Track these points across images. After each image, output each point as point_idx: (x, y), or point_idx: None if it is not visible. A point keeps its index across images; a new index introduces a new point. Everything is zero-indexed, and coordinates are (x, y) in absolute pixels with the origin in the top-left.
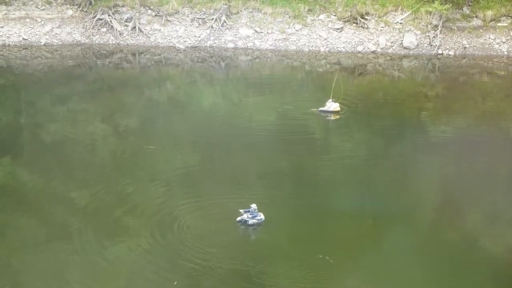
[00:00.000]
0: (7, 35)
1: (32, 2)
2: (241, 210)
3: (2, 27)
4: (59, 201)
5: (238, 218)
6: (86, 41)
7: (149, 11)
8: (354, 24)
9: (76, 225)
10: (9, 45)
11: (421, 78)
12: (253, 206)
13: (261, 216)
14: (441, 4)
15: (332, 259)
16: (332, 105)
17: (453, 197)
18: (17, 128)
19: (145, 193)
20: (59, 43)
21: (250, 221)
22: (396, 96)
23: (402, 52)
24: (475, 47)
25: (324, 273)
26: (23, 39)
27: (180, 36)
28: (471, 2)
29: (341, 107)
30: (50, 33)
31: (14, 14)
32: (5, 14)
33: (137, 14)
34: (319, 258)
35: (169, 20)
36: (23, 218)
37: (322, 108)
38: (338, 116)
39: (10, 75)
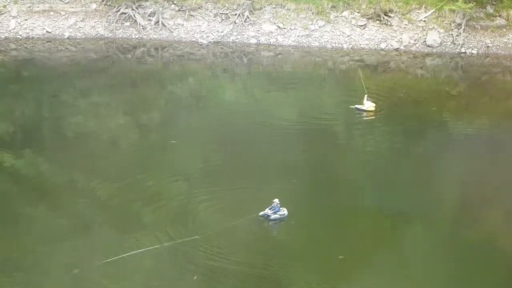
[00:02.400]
0: (31, 27)
1: None
2: (261, 213)
3: (26, 20)
4: (80, 194)
5: (261, 213)
6: (110, 35)
7: (173, 5)
8: (378, 21)
9: (96, 218)
10: (32, 37)
11: (444, 76)
12: (276, 201)
13: (284, 211)
14: (464, 3)
15: (352, 259)
16: (367, 104)
17: (475, 196)
18: (39, 121)
19: (166, 187)
20: (83, 36)
21: (272, 216)
22: (418, 95)
23: (425, 50)
24: (498, 46)
25: (344, 274)
26: (47, 32)
27: (203, 31)
28: (494, 1)
29: (376, 107)
30: (73, 26)
31: (38, 7)
32: (29, 7)
33: (161, 9)
34: (340, 259)
35: (192, 15)
36: (45, 210)
37: (357, 106)
38: (372, 115)
39: (34, 68)
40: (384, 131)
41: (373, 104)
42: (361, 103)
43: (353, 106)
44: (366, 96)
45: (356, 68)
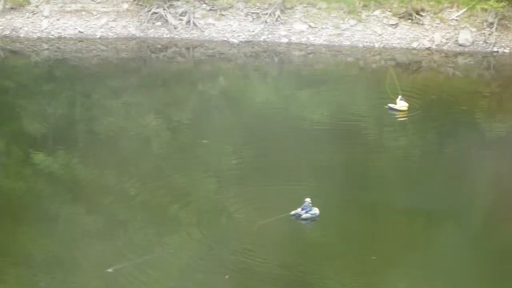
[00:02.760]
0: (63, 27)
1: None
2: (292, 212)
3: (58, 19)
4: (112, 193)
5: (292, 212)
6: (141, 34)
7: (204, 5)
8: (409, 20)
9: (128, 216)
10: (64, 37)
11: (476, 75)
12: (308, 200)
13: (316, 210)
14: (497, 2)
15: (384, 259)
16: (399, 103)
17: (507, 195)
18: (72, 121)
19: (197, 186)
20: (114, 36)
21: (304, 215)
22: (450, 94)
23: (457, 49)
24: None
25: (376, 275)
26: (79, 32)
27: (234, 31)
28: None
29: (409, 107)
30: (105, 26)
31: (70, 7)
32: (61, 7)
33: (192, 8)
34: (372, 259)
35: (223, 15)
36: (77, 208)
37: (391, 105)
38: (405, 115)
39: (66, 68)
40: (416, 130)
41: (406, 104)
42: (394, 103)
43: (387, 106)
44: (400, 95)
45: (387, 68)
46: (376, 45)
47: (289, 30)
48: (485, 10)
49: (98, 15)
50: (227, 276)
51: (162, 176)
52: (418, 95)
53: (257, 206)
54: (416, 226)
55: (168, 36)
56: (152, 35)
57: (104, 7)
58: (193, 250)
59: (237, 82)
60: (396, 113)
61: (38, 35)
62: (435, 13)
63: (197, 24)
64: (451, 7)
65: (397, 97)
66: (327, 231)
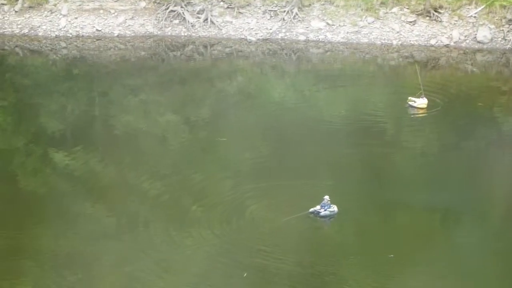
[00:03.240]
0: (81, 26)
1: None
2: (311, 210)
3: (76, 18)
4: (131, 191)
5: (311, 210)
6: (159, 32)
7: (221, 3)
8: (427, 17)
9: (147, 215)
10: (82, 36)
11: (494, 72)
12: (326, 197)
13: (334, 208)
14: None
15: (402, 257)
16: (419, 101)
17: None
18: (90, 119)
19: (215, 184)
20: (132, 34)
21: (322, 213)
22: (469, 91)
23: (476, 46)
24: None
25: (394, 273)
26: (97, 30)
27: (252, 29)
28: None
29: (428, 104)
30: (123, 24)
31: (88, 5)
32: (79, 5)
33: (209, 6)
34: (390, 257)
35: (241, 12)
36: (96, 207)
37: (411, 103)
38: (424, 112)
39: (84, 66)
40: (436, 127)
41: (425, 101)
42: (414, 100)
43: (407, 104)
44: (422, 93)
45: (407, 65)
46: (394, 42)
47: (307, 27)
48: (504, 6)
49: (116, 13)
50: (245, 274)
51: (180, 174)
52: (436, 92)
53: (275, 204)
54: (435, 224)
55: (185, 34)
56: (169, 33)
57: (122, 5)
58: (211, 248)
59: (255, 79)
60: (416, 110)
61: (56, 33)
62: (453, 10)
63: (214, 22)
64: (470, 4)
65: (419, 95)
66: (345, 229)
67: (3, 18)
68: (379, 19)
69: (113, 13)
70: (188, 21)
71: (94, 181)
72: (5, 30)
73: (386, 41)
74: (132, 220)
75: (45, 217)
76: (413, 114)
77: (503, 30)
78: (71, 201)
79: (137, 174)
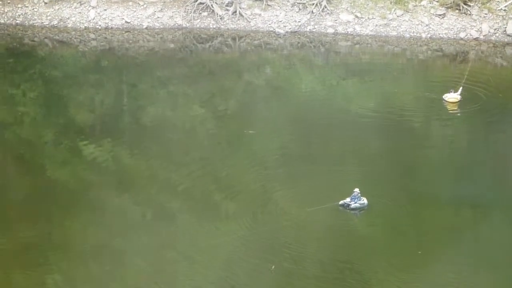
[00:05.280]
0: (110, 18)
1: None
2: (341, 202)
3: (105, 10)
4: (159, 183)
5: (341, 202)
6: (187, 25)
7: None
8: (457, 10)
9: (175, 208)
10: (111, 28)
11: None
12: (356, 190)
13: (364, 200)
14: None
15: (431, 253)
16: (450, 95)
17: None
18: (119, 110)
19: (244, 177)
20: (161, 26)
21: (353, 205)
22: (500, 85)
23: (506, 40)
24: None
25: (422, 271)
26: (126, 22)
27: (280, 21)
28: None
29: (470, 98)
30: (152, 16)
31: None
32: None
33: None
34: (419, 253)
35: (269, 5)
36: (124, 199)
37: (444, 96)
38: (455, 106)
39: (113, 58)
40: (467, 122)
41: (456, 96)
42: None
43: (443, 97)
44: (461, 88)
45: (435, 58)
46: (423, 35)
47: (336, 20)
48: None
49: (145, 5)
50: (273, 267)
51: (207, 166)
52: (467, 86)
53: (303, 196)
54: (464, 219)
55: (214, 26)
56: (198, 26)
57: None
58: (239, 240)
59: (283, 72)
60: (447, 104)
61: (86, 25)
62: (483, 3)
63: (243, 14)
64: None
65: (457, 89)
66: (375, 222)
67: (33, 9)
68: (408, 12)
69: (142, 5)
70: (217, 14)
71: (122, 173)
72: (34, 22)
73: (415, 34)
74: (159, 212)
75: (73, 209)
76: (445, 107)
77: None
78: (99, 192)
79: (165, 165)
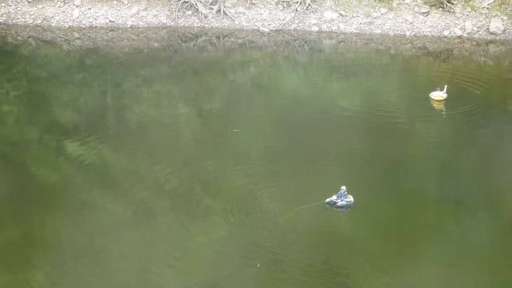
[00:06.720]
0: (94, 17)
1: None
2: (327, 200)
3: (90, 9)
4: (143, 182)
5: (327, 200)
6: (172, 24)
7: None
8: (441, 8)
9: (159, 206)
10: (96, 27)
11: (508, 63)
12: (343, 188)
13: (351, 198)
14: None
15: (414, 250)
16: (435, 93)
17: None
18: (103, 109)
19: (228, 174)
20: (145, 25)
21: (339, 203)
22: (483, 82)
23: (489, 38)
24: None
25: (407, 267)
26: (110, 21)
27: (265, 19)
28: None
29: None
30: (136, 15)
31: None
32: None
33: None
34: (403, 250)
35: (253, 3)
36: (108, 197)
37: (431, 95)
38: (440, 104)
39: (97, 57)
40: (452, 120)
41: (442, 94)
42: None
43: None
44: (446, 86)
45: (420, 56)
46: (407, 33)
47: (320, 18)
48: None
49: (129, 4)
50: (258, 265)
51: (193, 165)
52: (451, 84)
53: (288, 195)
54: (449, 217)
55: (198, 25)
56: (182, 24)
57: None
58: (224, 238)
59: (268, 70)
60: (433, 102)
61: (70, 24)
62: (466, 1)
63: (227, 13)
64: None
65: (442, 87)
66: (361, 220)
67: (16, 8)
68: (393, 10)
69: (126, 4)
70: (201, 12)
71: (107, 172)
72: (18, 21)
73: (399, 32)
74: (145, 211)
75: (58, 208)
76: (430, 105)
77: None
78: (84, 191)
79: (150, 164)
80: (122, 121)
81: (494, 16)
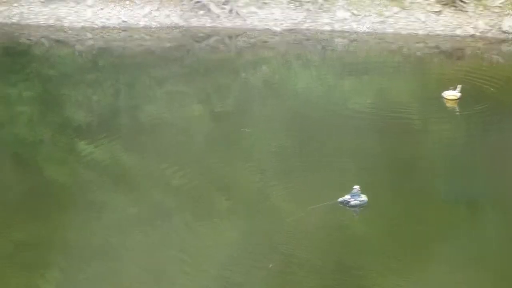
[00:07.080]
0: (107, 17)
1: None
2: (340, 199)
3: (102, 9)
4: (155, 182)
5: (340, 199)
6: (184, 23)
7: None
8: (453, 7)
9: (171, 205)
10: (108, 27)
11: None
12: (356, 187)
13: (364, 197)
14: None
15: (428, 251)
16: (448, 92)
17: None
18: (115, 109)
19: (240, 174)
20: (157, 25)
21: (352, 202)
22: (494, 82)
23: (501, 36)
24: None
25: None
26: (122, 21)
27: (277, 19)
28: None
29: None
30: (148, 15)
31: None
32: None
33: None
34: (417, 251)
35: (266, 3)
36: (119, 197)
37: (443, 94)
38: (454, 104)
39: (109, 57)
40: (466, 120)
41: (455, 93)
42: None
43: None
44: (460, 85)
45: (432, 55)
46: (420, 32)
47: (332, 17)
48: None
49: (141, 4)
50: (271, 265)
51: (204, 164)
52: (463, 83)
53: (301, 194)
54: (464, 218)
55: (210, 25)
56: (194, 24)
57: None
58: (235, 239)
59: (280, 70)
60: (446, 102)
61: (82, 24)
62: (478, 0)
63: (239, 12)
64: None
65: (455, 86)
66: (374, 219)
67: (29, 8)
68: (405, 9)
69: (139, 4)
70: (213, 12)
71: (119, 172)
72: (30, 21)
73: (412, 31)
74: (156, 210)
75: (70, 208)
76: (443, 105)
77: None
78: (96, 191)
79: (161, 164)
80: (134, 121)
81: (507, 15)
